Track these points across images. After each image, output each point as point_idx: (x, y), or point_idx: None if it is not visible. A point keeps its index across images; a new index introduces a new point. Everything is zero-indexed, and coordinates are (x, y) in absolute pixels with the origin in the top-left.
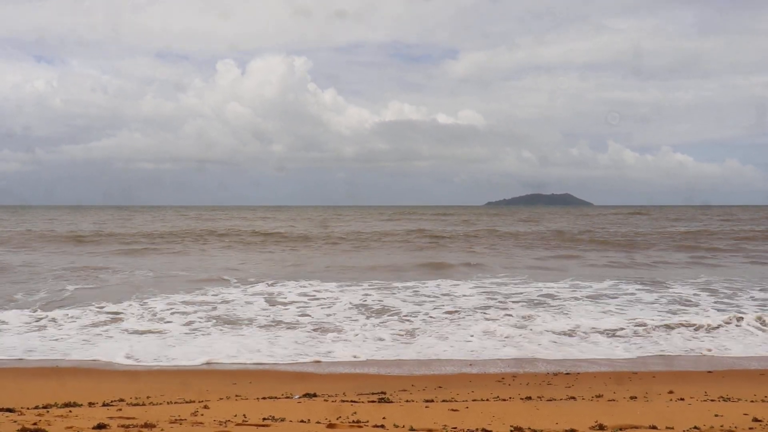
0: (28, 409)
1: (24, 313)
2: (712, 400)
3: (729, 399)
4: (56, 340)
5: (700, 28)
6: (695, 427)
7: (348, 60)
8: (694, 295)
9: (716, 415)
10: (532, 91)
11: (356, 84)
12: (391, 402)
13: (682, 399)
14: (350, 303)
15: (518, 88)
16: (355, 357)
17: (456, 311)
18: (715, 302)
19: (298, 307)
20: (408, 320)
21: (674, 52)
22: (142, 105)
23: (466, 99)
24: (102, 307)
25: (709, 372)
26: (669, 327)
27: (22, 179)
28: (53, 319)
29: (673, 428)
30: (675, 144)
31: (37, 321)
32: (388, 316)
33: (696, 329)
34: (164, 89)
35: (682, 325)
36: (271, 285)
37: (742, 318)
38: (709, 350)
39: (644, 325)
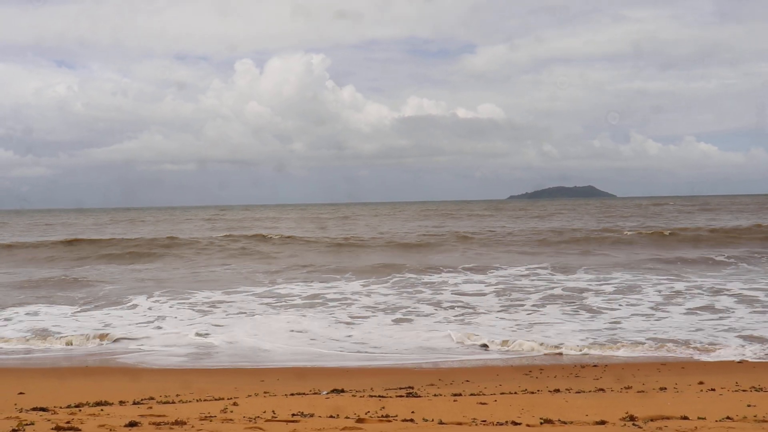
0: (61, 408)
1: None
2: (743, 391)
3: (761, 389)
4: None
5: (720, 15)
6: (728, 417)
7: (365, 57)
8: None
9: (749, 405)
10: (552, 83)
11: (374, 81)
12: (419, 396)
13: (713, 389)
14: (367, 303)
15: (537, 81)
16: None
17: (472, 308)
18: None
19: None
20: (429, 315)
21: (694, 40)
22: (163, 107)
23: (486, 93)
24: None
25: (740, 362)
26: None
27: (46, 183)
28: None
29: (705, 419)
30: (698, 133)
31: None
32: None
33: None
34: (184, 91)
35: (705, 310)
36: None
37: None
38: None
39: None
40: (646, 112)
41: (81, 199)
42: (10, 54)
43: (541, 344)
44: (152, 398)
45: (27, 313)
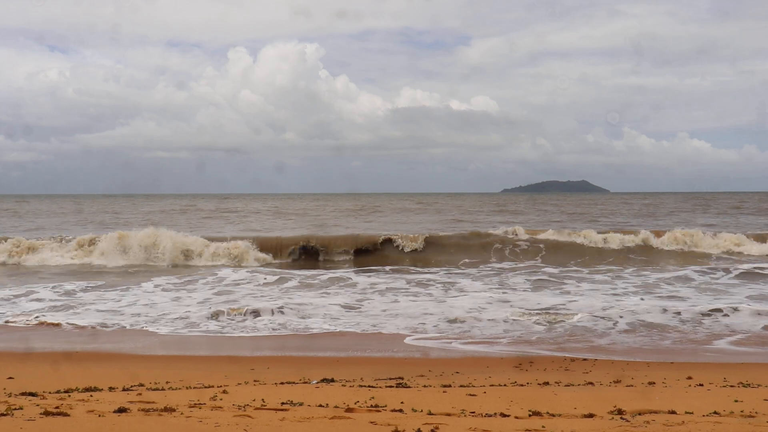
0: (50, 393)
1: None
2: (731, 386)
3: (749, 385)
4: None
5: (716, 12)
6: (715, 413)
7: (360, 47)
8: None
9: (736, 401)
10: (546, 77)
11: (368, 71)
12: (409, 387)
13: (701, 385)
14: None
15: (532, 74)
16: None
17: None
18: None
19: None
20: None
21: (690, 37)
22: (155, 94)
23: (480, 86)
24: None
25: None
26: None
27: (39, 168)
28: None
29: (692, 413)
30: (692, 130)
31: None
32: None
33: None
34: (176, 78)
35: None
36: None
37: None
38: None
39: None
40: (640, 108)
41: (74, 184)
42: (1, 38)
43: None
44: (142, 385)
45: None
